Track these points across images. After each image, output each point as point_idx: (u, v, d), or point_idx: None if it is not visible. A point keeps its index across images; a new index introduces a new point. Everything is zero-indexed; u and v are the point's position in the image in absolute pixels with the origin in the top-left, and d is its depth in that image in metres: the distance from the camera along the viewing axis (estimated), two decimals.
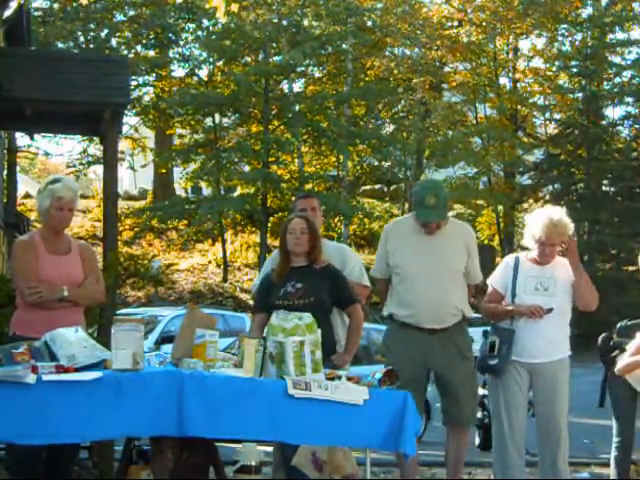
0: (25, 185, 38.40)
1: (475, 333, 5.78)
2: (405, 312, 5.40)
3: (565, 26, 31.97)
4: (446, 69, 32.34)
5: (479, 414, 7.59)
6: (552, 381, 5.51)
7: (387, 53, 31.09)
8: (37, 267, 4.85)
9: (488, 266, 10.71)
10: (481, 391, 6.28)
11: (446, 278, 5.38)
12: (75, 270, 4.97)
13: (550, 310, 5.45)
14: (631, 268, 29.69)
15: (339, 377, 4.33)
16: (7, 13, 11.59)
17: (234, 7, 5.76)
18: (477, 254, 5.61)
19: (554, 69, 32.60)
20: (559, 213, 5.55)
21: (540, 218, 5.53)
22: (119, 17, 28.97)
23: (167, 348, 4.59)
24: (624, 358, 5.80)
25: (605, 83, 32.10)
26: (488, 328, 5.71)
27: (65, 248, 5.02)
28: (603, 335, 6.19)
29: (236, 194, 29.42)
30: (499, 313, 5.61)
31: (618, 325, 6.13)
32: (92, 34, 27.72)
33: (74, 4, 26.70)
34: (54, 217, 4.95)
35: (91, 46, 27.11)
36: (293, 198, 6.11)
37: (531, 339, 5.46)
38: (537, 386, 5.55)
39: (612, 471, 6.07)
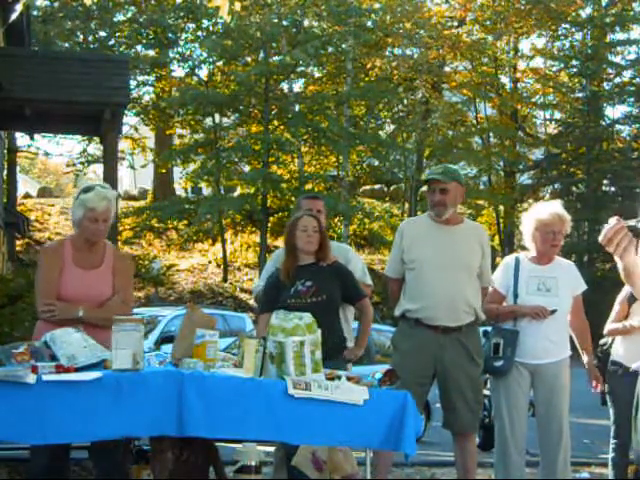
0: (25, 185, 38.47)
1: None
2: (418, 305, 5.32)
3: (565, 26, 31.98)
4: (446, 69, 32.35)
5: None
6: (554, 381, 5.51)
7: (387, 53, 31.08)
8: (59, 280, 4.55)
9: None
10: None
11: (462, 272, 5.34)
12: (101, 287, 4.63)
13: (554, 312, 5.46)
14: None
15: (339, 377, 4.33)
16: (13, 16, 11.60)
17: (237, 6, 5.76)
18: (490, 257, 5.60)
19: (554, 69, 32.62)
20: (556, 204, 5.68)
21: (542, 210, 5.62)
22: (119, 17, 28.98)
23: (167, 348, 4.57)
24: (609, 323, 6.06)
25: (605, 83, 32.11)
26: (488, 328, 5.71)
27: (96, 261, 4.68)
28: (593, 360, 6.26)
29: (236, 194, 29.42)
30: (502, 314, 5.60)
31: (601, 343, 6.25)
32: (93, 33, 27.73)
33: (74, 3, 26.70)
34: (88, 229, 4.60)
35: (92, 46, 27.12)
36: (293, 198, 6.10)
37: (534, 340, 5.46)
38: (539, 386, 5.55)
39: (610, 471, 6.11)
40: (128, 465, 4.68)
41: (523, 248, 5.85)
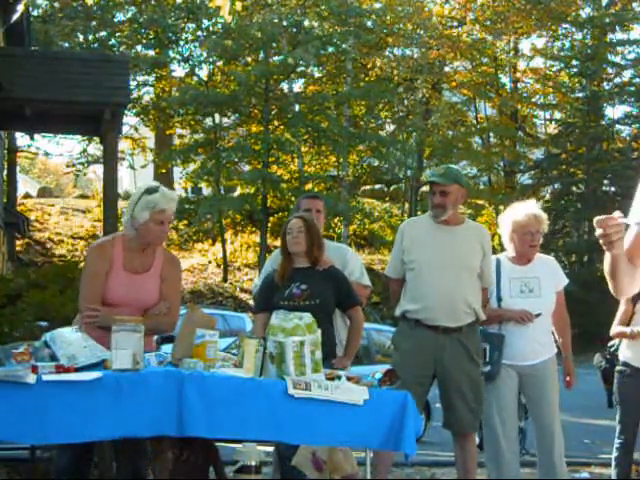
0: (25, 185, 38.47)
1: None
2: (418, 306, 5.31)
3: (565, 26, 32.00)
4: (446, 69, 32.36)
5: None
6: (542, 381, 5.55)
7: (387, 53, 31.10)
8: (106, 283, 4.42)
9: None
10: None
11: (462, 272, 5.32)
12: (148, 293, 4.50)
13: (539, 315, 5.49)
14: None
15: (339, 377, 4.32)
16: (14, 17, 11.60)
17: (238, 6, 5.72)
18: (491, 257, 5.57)
19: (554, 69, 32.64)
20: (531, 204, 5.69)
21: (517, 211, 5.63)
22: (119, 17, 29.00)
23: (167, 348, 4.56)
24: (615, 325, 6.00)
25: (605, 83, 32.12)
26: None
27: (147, 263, 4.53)
28: (601, 362, 6.24)
29: (236, 194, 29.42)
30: (488, 317, 5.58)
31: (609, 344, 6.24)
32: (93, 33, 27.73)
33: (74, 3, 26.70)
34: (153, 232, 4.45)
35: (92, 46, 27.12)
36: (293, 198, 6.10)
37: (521, 342, 5.48)
38: (528, 386, 5.59)
39: (613, 471, 6.11)
40: (144, 465, 4.67)
41: None
